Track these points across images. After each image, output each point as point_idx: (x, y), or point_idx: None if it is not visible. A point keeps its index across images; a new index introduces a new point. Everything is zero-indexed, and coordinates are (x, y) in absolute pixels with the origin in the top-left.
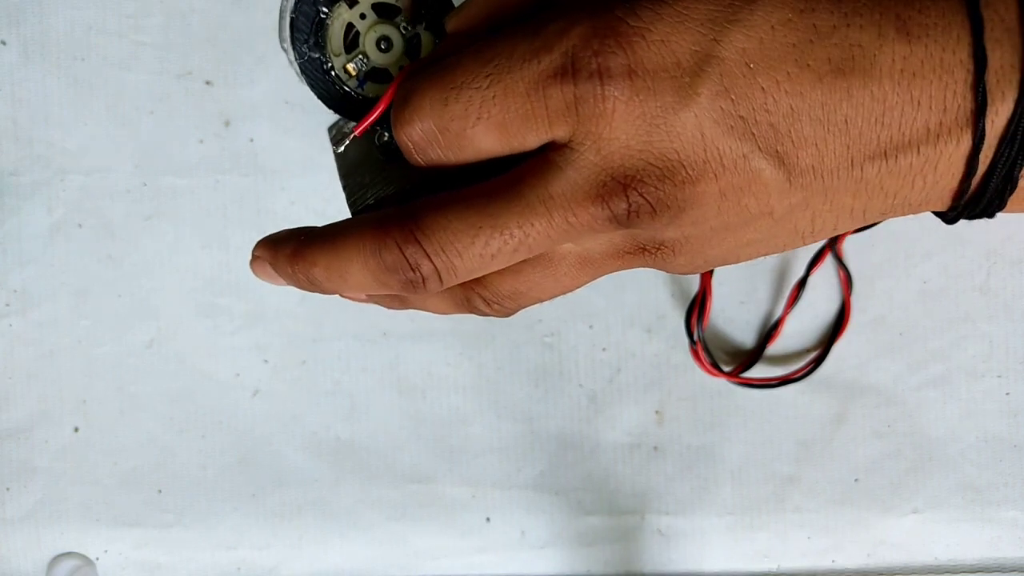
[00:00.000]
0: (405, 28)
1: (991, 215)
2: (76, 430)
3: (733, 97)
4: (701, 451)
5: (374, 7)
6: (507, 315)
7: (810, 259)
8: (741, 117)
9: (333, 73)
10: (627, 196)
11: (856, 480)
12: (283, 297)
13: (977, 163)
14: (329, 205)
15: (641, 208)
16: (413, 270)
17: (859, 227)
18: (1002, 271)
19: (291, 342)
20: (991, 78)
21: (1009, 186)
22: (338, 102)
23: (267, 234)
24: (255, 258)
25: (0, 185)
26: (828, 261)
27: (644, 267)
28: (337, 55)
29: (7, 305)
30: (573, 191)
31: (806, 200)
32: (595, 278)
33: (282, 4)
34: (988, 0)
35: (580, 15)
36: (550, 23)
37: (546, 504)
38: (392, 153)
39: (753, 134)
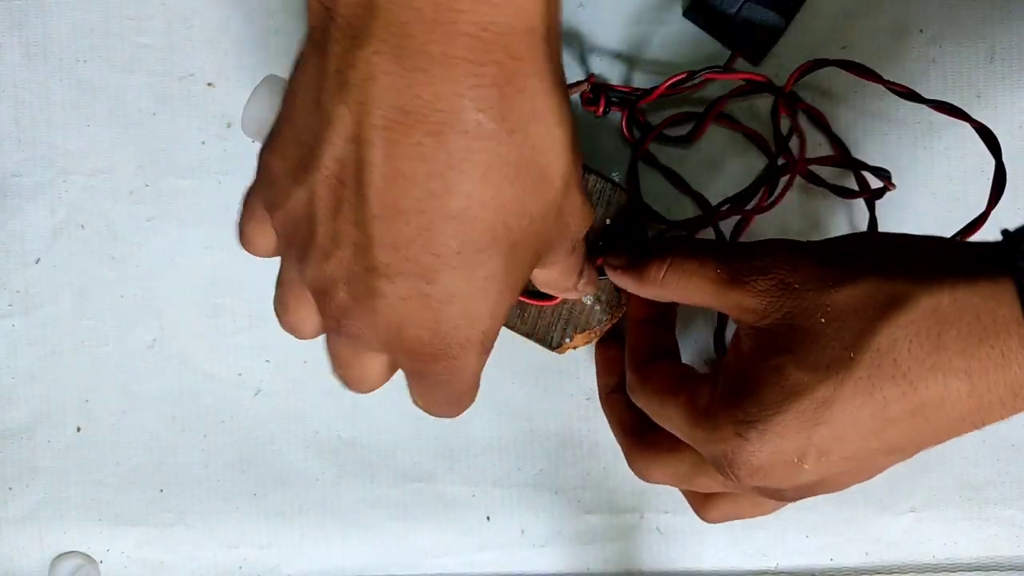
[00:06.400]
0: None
1: None
2: (78, 430)
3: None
4: None
5: None
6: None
7: None
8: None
9: None
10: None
11: None
12: None
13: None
14: None
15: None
16: None
17: None
18: None
19: (293, 342)
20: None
21: None
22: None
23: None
24: None
25: (3, 186)
26: None
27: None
28: None
29: (10, 305)
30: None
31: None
32: None
33: None
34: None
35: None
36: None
37: (546, 502)
38: None
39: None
